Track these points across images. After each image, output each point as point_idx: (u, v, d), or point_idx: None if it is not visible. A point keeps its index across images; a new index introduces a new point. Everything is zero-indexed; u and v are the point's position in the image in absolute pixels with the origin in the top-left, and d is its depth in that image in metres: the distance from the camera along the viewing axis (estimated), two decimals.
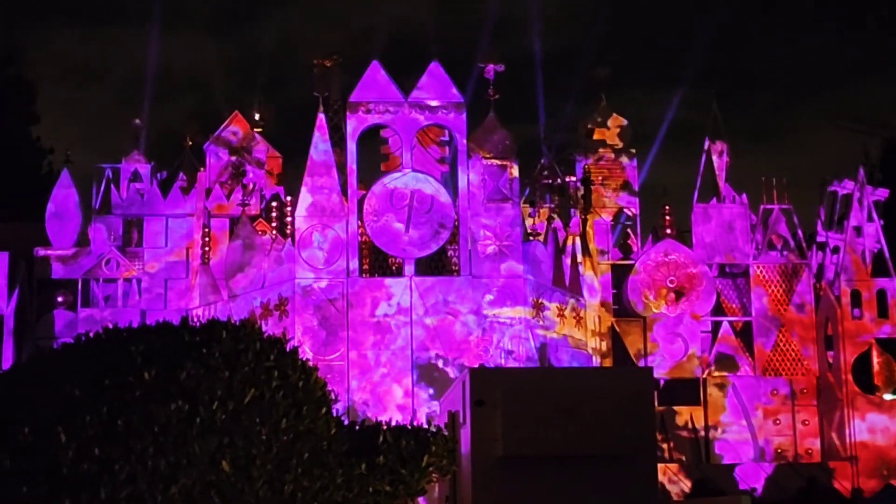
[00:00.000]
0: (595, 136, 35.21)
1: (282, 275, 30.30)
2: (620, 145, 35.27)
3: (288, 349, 10.94)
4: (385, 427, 11.21)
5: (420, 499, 17.59)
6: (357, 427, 11.23)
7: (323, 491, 10.50)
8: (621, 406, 18.06)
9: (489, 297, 29.66)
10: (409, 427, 11.31)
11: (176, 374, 9.93)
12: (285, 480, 10.15)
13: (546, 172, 34.68)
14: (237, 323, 10.82)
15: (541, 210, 34.03)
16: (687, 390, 33.15)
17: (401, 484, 11.11)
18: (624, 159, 35.08)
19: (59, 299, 34.63)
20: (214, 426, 9.85)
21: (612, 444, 17.82)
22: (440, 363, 29.11)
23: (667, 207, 34.86)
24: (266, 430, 10.11)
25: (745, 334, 34.18)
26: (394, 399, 28.90)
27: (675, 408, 32.85)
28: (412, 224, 29.96)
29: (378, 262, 30.56)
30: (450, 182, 31.14)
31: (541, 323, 30.08)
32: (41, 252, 34.55)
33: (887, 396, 32.75)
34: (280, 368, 10.52)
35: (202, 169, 34.56)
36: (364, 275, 30.06)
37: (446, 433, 11.60)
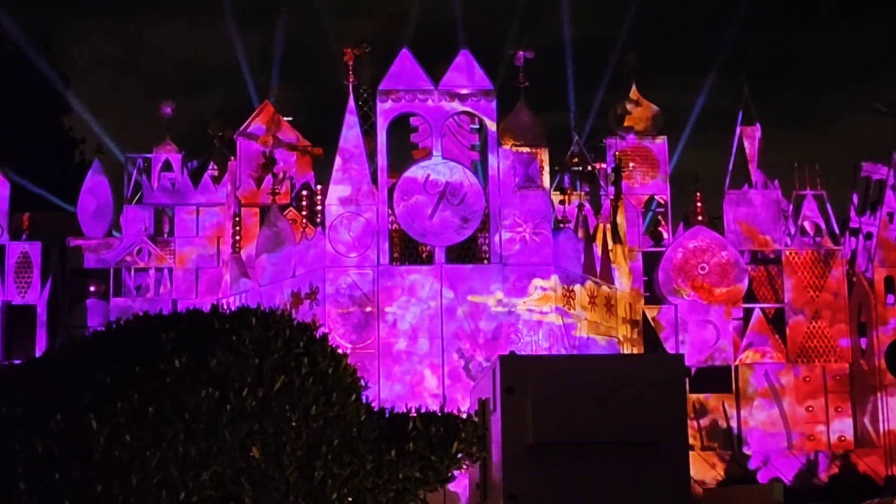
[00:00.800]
0: (625, 123, 35.12)
1: (312, 263, 30.35)
2: (652, 132, 35.18)
3: (318, 336, 10.93)
4: (415, 414, 11.19)
5: (452, 486, 17.61)
6: (386, 414, 11.22)
7: (353, 477, 10.52)
8: (653, 393, 17.98)
9: (520, 286, 29.62)
10: (439, 414, 11.32)
11: (206, 361, 9.96)
12: (315, 467, 10.17)
13: (576, 159, 34.61)
14: (266, 310, 10.85)
15: (571, 197, 33.96)
16: (718, 378, 33.04)
17: (430, 470, 11.12)
18: (655, 146, 34.96)
19: (92, 289, 34.87)
20: (244, 413, 9.88)
21: (644, 431, 17.75)
22: (471, 352, 29.08)
23: (698, 194, 34.72)
24: (296, 417, 10.14)
25: (777, 321, 34.01)
26: (425, 388, 28.92)
27: (707, 395, 32.76)
28: (440, 211, 29.90)
29: (408, 251, 30.55)
30: (479, 170, 31.10)
31: (571, 311, 30.01)
32: (73, 242, 34.80)
33: None
34: (310, 355, 10.54)
35: (233, 158, 34.69)
36: (394, 263, 30.07)
37: (476, 420, 11.58)
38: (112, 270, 34.53)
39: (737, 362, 33.25)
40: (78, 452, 9.61)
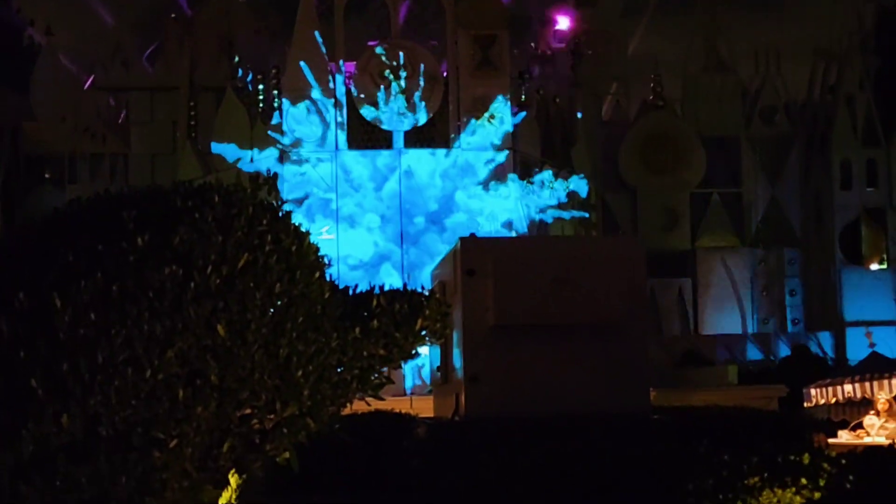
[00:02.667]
0: (585, 4, 34.82)
1: (270, 149, 30.11)
2: (612, 14, 34.90)
3: (280, 215, 10.85)
4: (379, 292, 11.18)
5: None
6: (350, 292, 11.20)
7: (318, 355, 10.51)
8: (613, 275, 18.06)
9: (479, 169, 29.59)
10: (403, 291, 11.29)
11: (169, 239, 9.84)
12: (280, 344, 10.15)
13: (535, 43, 34.33)
14: (230, 188, 10.73)
15: (530, 81, 33.78)
16: (676, 262, 33.32)
17: (395, 347, 11.12)
18: (615, 29, 34.72)
19: (46, 175, 34.45)
20: (209, 291, 9.80)
21: (604, 313, 17.88)
22: (431, 232, 29.09)
23: (657, 77, 34.61)
24: (260, 295, 10.07)
25: (734, 205, 34.20)
26: (388, 271, 28.97)
27: (664, 279, 33.05)
28: (398, 94, 29.65)
29: (367, 135, 30.35)
30: (438, 54, 30.82)
31: (531, 195, 30.04)
32: (27, 126, 34.26)
33: (874, 266, 32.98)
34: (273, 233, 10.44)
35: (187, 42, 34.10)
36: (353, 148, 29.90)
37: (440, 297, 11.60)
38: (66, 156, 34.09)
39: (694, 246, 33.50)
40: (43, 331, 9.53)
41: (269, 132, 30.19)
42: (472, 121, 29.73)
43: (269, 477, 11.92)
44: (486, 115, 29.49)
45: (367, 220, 29.38)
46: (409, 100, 29.59)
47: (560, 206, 30.14)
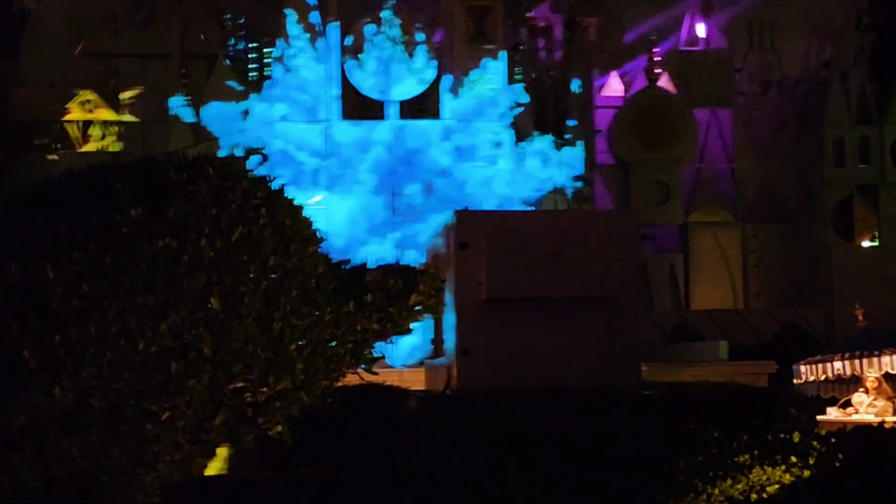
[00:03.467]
0: None
1: (262, 118, 29.89)
2: None
3: (274, 188, 10.80)
4: (374, 266, 11.16)
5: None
6: (344, 266, 11.17)
7: (311, 329, 10.49)
8: (605, 249, 18.07)
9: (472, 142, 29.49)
10: (396, 266, 11.27)
11: (163, 211, 9.80)
12: (274, 318, 10.13)
13: (530, 14, 34.15)
14: (225, 160, 10.68)
15: (524, 53, 33.64)
16: (669, 237, 33.32)
17: (388, 322, 11.11)
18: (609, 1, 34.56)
19: (35, 142, 34.28)
20: (203, 263, 9.77)
21: (596, 287, 17.88)
22: (425, 204, 28.90)
23: (654, 51, 34.46)
24: (254, 268, 10.04)
25: (726, 181, 34.18)
26: (380, 244, 28.81)
27: (656, 254, 33.04)
28: (395, 66, 29.48)
29: (359, 105, 30.16)
30: (432, 25, 30.61)
31: (524, 168, 29.93)
32: (16, 93, 34.04)
33: (865, 244, 33.02)
34: (267, 206, 10.41)
35: (180, 8, 33.83)
36: (345, 118, 29.74)
37: (434, 272, 11.58)
38: (58, 123, 33.91)
39: (686, 220, 33.47)
40: (35, 302, 9.48)
41: (260, 100, 29.98)
42: (466, 90, 29.57)
43: (261, 449, 11.92)
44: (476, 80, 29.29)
45: (358, 190, 29.27)
46: (402, 70, 29.41)
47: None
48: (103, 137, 33.89)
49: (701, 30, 34.41)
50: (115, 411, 9.76)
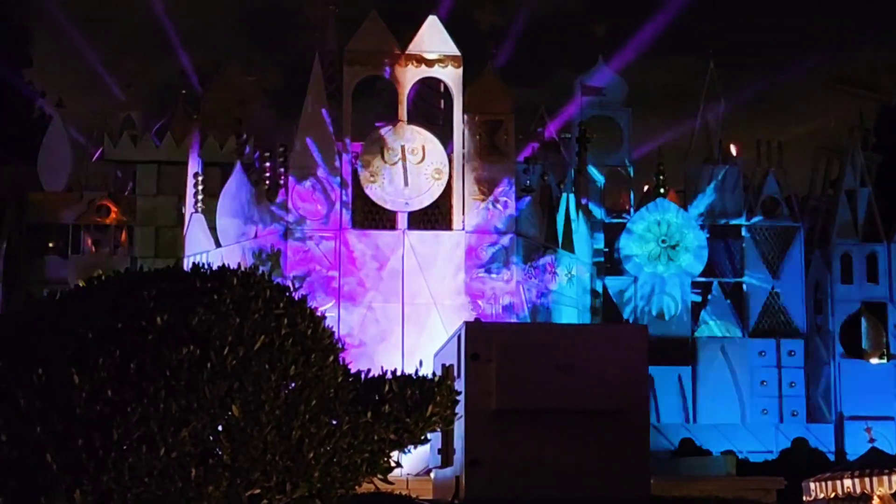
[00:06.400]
0: (591, 94, 35.24)
1: (274, 225, 30.26)
2: (617, 103, 35.33)
3: (296, 298, 11.00)
4: (390, 377, 11.30)
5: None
6: (363, 376, 11.32)
7: (329, 437, 10.60)
8: (615, 362, 18.20)
9: (482, 251, 29.75)
10: (414, 377, 11.41)
11: (187, 319, 9.99)
12: (293, 426, 10.25)
13: (541, 129, 34.69)
14: (247, 270, 10.90)
15: (534, 166, 34.08)
16: (676, 350, 33.38)
17: (405, 432, 11.21)
18: (620, 119, 35.14)
19: (50, 245, 34.62)
20: (225, 371, 9.93)
21: (606, 400, 17.97)
22: (434, 315, 29.10)
23: (661, 167, 34.97)
24: (275, 376, 10.20)
25: (735, 295, 34.38)
26: (388, 350, 28.94)
27: (664, 367, 33.06)
28: (410, 175, 29.88)
29: (371, 215, 30.53)
30: (445, 137, 31.09)
31: (533, 280, 30.18)
32: (32, 196, 34.47)
33: (874, 360, 33.04)
34: (289, 316, 10.60)
35: (196, 117, 34.47)
36: (357, 227, 30.06)
37: (450, 384, 11.71)
38: (70, 226, 34.30)
39: (694, 335, 33.59)
40: (59, 406, 9.63)
41: (273, 209, 30.36)
42: (477, 204, 29.94)
43: None
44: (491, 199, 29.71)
45: (368, 298, 29.46)
46: (414, 181, 29.81)
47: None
48: (117, 242, 34.22)
49: (732, 149, 34.93)
50: None
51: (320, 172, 30.09)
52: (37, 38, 45.64)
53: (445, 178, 30.08)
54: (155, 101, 36.71)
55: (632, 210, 34.57)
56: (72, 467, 9.65)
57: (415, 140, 30.10)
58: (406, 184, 29.77)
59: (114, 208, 34.28)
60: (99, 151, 35.00)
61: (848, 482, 20.19)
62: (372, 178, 29.98)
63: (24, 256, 34.13)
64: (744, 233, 34.47)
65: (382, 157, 30.03)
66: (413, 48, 30.49)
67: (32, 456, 9.55)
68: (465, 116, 30.42)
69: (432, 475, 21.16)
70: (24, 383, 9.69)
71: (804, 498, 21.13)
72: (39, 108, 44.74)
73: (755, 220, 34.47)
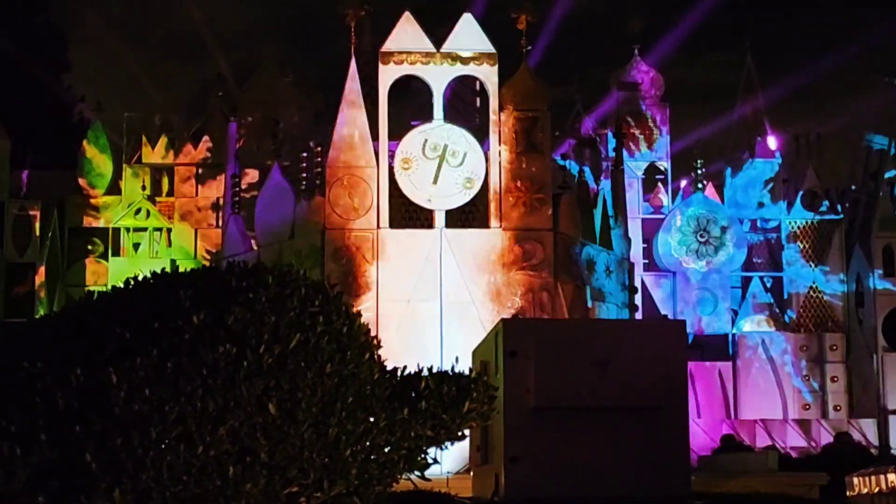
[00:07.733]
0: (628, 89, 35.13)
1: (312, 225, 30.34)
2: (654, 98, 35.18)
3: (332, 295, 11.01)
4: (427, 373, 11.29)
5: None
6: (399, 373, 11.32)
7: (366, 434, 10.61)
8: (653, 358, 18.13)
9: (519, 249, 29.70)
10: (451, 373, 11.39)
11: (224, 319, 10.02)
12: (330, 424, 10.26)
13: (577, 126, 34.61)
14: (283, 269, 10.94)
15: (570, 163, 34.00)
16: (716, 345, 33.22)
17: (442, 429, 11.19)
18: (656, 114, 34.99)
19: (90, 248, 34.92)
20: (261, 369, 9.96)
21: (644, 396, 17.91)
22: (471, 312, 29.07)
23: (698, 162, 34.77)
24: (311, 374, 10.21)
25: (775, 290, 34.17)
26: (425, 348, 28.91)
27: (704, 362, 32.91)
28: (442, 176, 29.89)
29: (409, 213, 30.55)
30: (481, 133, 31.06)
31: (572, 276, 30.08)
32: (73, 200, 34.78)
33: None
34: (325, 314, 10.61)
35: (233, 119, 34.64)
36: (394, 226, 30.09)
37: (487, 380, 11.69)
38: (110, 229, 34.59)
39: (734, 330, 33.41)
40: (98, 406, 9.69)
41: (311, 208, 30.44)
42: (513, 202, 29.88)
43: None
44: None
45: (405, 296, 29.48)
46: (443, 182, 29.79)
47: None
48: (155, 244, 34.48)
49: (772, 142, 34.68)
50: None
51: (357, 172, 30.14)
52: (75, 43, 46.07)
53: (475, 189, 29.95)
54: (192, 104, 36.91)
55: (669, 205, 34.39)
56: (111, 466, 9.70)
57: (458, 143, 30.07)
58: (435, 182, 29.74)
59: (152, 210, 34.51)
60: (137, 154, 35.24)
61: (892, 477, 19.97)
62: (406, 166, 29.95)
63: (64, 259, 34.43)
64: (784, 227, 34.22)
65: (423, 150, 30.01)
66: (448, 46, 30.48)
67: (72, 456, 9.61)
68: (501, 114, 30.38)
69: (472, 473, 21.15)
70: (62, 384, 9.75)
71: (847, 493, 20.93)
72: (79, 113, 45.18)
73: (795, 213, 34.21)
